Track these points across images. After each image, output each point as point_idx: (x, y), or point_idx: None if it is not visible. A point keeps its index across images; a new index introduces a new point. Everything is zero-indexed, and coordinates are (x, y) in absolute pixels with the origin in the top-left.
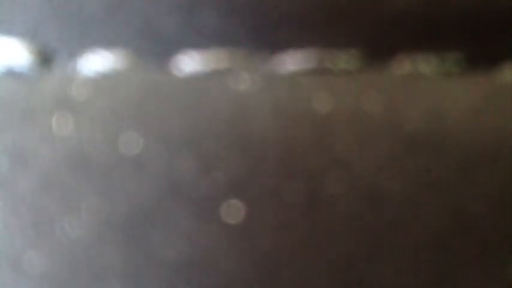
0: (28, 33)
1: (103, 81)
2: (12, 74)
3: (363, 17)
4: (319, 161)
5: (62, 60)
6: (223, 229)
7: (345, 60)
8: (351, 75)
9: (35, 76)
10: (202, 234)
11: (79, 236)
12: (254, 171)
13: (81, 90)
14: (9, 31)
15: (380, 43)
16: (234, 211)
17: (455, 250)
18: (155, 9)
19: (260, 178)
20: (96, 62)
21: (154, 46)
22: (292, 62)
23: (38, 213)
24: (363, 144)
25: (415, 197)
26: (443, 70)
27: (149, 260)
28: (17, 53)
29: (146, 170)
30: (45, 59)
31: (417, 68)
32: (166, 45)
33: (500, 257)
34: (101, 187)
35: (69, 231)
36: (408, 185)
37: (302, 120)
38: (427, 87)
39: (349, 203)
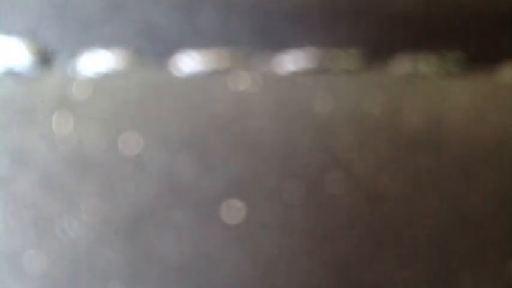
0: (28, 33)
1: (103, 81)
2: (12, 74)
3: (363, 17)
4: (319, 161)
5: (62, 60)
6: (223, 229)
7: (345, 60)
8: (351, 75)
9: (35, 76)
10: (202, 234)
11: (79, 236)
12: (254, 171)
13: (81, 90)
14: (9, 31)
15: (380, 43)
16: (234, 211)
17: (455, 250)
18: (155, 9)
19: (260, 178)
20: (96, 62)
21: (154, 46)
22: (292, 62)
23: (38, 213)
24: (363, 144)
25: (415, 197)
26: (443, 70)
27: (149, 259)
28: (17, 53)
29: (146, 170)
30: (45, 59)
31: (417, 68)
32: (166, 45)
33: (500, 257)
34: (101, 187)
35: (69, 231)
36: (408, 185)
37: (302, 120)
38: (427, 87)
39: (349, 203)
